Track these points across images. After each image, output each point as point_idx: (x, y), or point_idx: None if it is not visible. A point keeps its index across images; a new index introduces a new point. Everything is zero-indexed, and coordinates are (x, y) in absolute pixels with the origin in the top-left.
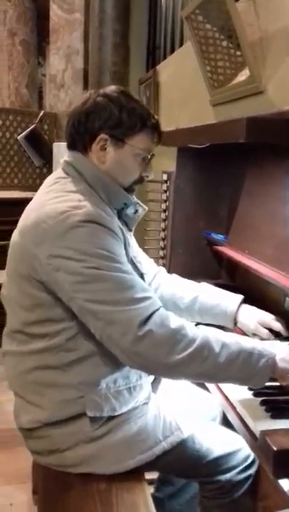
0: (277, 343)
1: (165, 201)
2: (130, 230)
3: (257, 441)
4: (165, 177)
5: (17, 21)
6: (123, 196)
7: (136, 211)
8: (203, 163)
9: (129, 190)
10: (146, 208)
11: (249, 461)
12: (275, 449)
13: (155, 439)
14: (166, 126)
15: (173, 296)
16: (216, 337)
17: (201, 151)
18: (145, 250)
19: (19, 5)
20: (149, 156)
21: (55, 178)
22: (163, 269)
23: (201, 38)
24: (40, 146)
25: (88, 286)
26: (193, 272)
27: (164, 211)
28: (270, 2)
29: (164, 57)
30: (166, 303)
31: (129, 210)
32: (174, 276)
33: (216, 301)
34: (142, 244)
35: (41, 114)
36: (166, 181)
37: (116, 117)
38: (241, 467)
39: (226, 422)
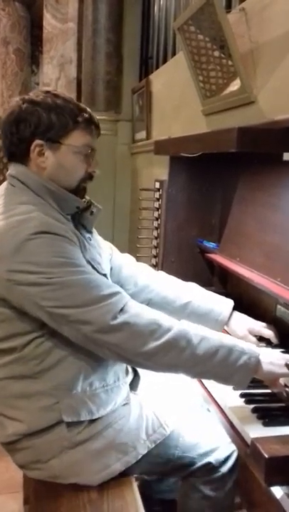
0: (266, 349)
1: (157, 209)
2: (90, 232)
3: (248, 449)
4: (158, 185)
5: (11, 30)
6: (73, 200)
7: (91, 212)
8: (196, 171)
9: (78, 190)
10: (101, 206)
11: (230, 457)
12: (266, 456)
13: (139, 438)
14: (158, 134)
15: (164, 300)
16: (196, 330)
17: (193, 159)
18: (137, 258)
19: (13, 14)
20: (90, 151)
21: (3, 190)
22: (146, 266)
23: (193, 49)
24: None
25: (55, 294)
26: (185, 280)
27: (157, 219)
28: (261, 13)
29: (157, 67)
30: (156, 305)
31: (85, 214)
32: (161, 273)
33: (209, 306)
34: (134, 252)
35: None
36: (158, 189)
37: (46, 120)
38: (223, 445)
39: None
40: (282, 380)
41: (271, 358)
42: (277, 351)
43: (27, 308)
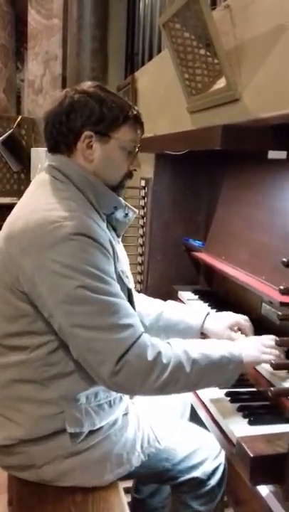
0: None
1: (143, 207)
2: (118, 236)
3: (234, 448)
4: (143, 183)
5: None
6: (113, 199)
7: (126, 215)
8: (181, 169)
9: (119, 187)
10: (136, 210)
11: (217, 450)
12: (251, 455)
13: (134, 451)
14: (144, 132)
15: (139, 314)
16: (187, 355)
17: (179, 157)
18: None
19: None
20: (136, 148)
21: (43, 183)
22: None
23: (179, 46)
24: (17, 151)
25: (71, 308)
26: (171, 278)
27: (142, 217)
28: (246, 11)
29: (143, 64)
30: None
31: (119, 214)
32: (141, 295)
33: (181, 316)
34: None
35: (19, 119)
36: (144, 187)
37: (98, 112)
38: (212, 456)
39: (194, 416)
40: (266, 376)
41: (249, 351)
42: (253, 339)
43: (42, 310)
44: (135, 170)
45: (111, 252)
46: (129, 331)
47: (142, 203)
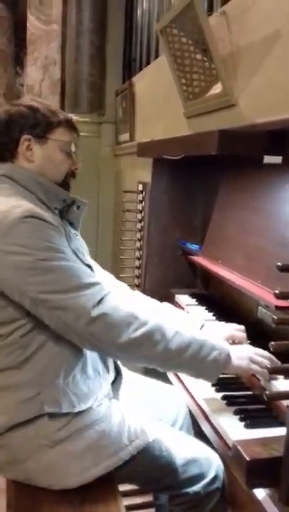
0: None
1: (141, 211)
2: (76, 229)
3: (230, 451)
4: (141, 187)
5: None
6: (61, 193)
7: (78, 207)
8: (178, 173)
9: (64, 186)
10: (87, 201)
11: (215, 471)
12: (247, 459)
13: (120, 443)
14: (141, 137)
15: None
16: (171, 325)
17: (176, 162)
18: (121, 260)
19: None
20: (73, 149)
21: None
22: (125, 286)
23: (176, 51)
24: None
25: (38, 278)
26: (168, 282)
27: (140, 221)
28: (241, 17)
29: (140, 69)
30: None
31: (71, 208)
32: (137, 292)
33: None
34: (118, 254)
35: None
36: (141, 192)
37: (32, 118)
38: (208, 479)
39: (193, 428)
40: (261, 380)
41: (240, 353)
42: (247, 346)
43: (10, 293)
44: (76, 169)
45: (62, 230)
46: (97, 286)
47: (139, 207)
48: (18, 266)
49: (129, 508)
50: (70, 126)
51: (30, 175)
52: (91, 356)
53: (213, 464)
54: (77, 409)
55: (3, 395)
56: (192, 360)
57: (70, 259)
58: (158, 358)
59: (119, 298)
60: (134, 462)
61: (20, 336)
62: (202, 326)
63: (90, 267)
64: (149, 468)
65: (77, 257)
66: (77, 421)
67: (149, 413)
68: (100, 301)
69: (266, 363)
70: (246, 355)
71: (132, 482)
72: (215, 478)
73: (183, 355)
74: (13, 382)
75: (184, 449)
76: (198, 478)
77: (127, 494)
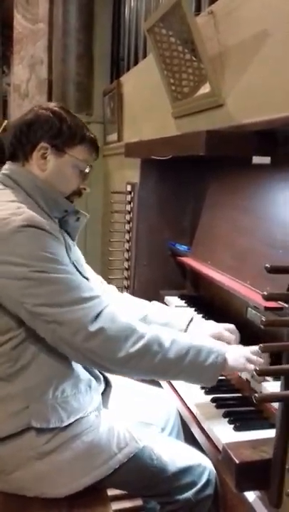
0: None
1: (129, 212)
2: (73, 240)
3: (220, 454)
4: (129, 188)
5: None
6: (63, 202)
7: (77, 219)
8: (167, 174)
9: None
10: (88, 214)
11: (206, 478)
12: (237, 461)
13: (110, 452)
14: (130, 137)
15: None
16: (167, 334)
17: (165, 162)
18: (110, 262)
19: None
20: (87, 169)
21: None
22: (113, 288)
23: (164, 51)
24: (3, 156)
25: (35, 290)
26: (157, 283)
27: (128, 222)
28: (229, 17)
29: (128, 69)
30: None
31: (71, 219)
32: (125, 294)
33: (165, 320)
34: (106, 255)
35: (5, 123)
36: (130, 192)
37: (57, 128)
38: (199, 485)
39: (184, 433)
40: (251, 381)
41: (236, 354)
42: (241, 347)
43: (7, 303)
44: (84, 189)
45: (62, 240)
46: (95, 300)
47: (128, 207)
48: (14, 276)
49: None
50: (92, 146)
51: (35, 181)
52: (82, 371)
53: (205, 471)
54: (65, 424)
55: None
56: (191, 366)
57: (69, 271)
58: (157, 369)
59: (117, 310)
60: (125, 469)
61: (11, 348)
62: (191, 320)
63: (87, 279)
64: (140, 476)
65: (77, 269)
66: (65, 433)
67: (139, 418)
68: (97, 316)
69: (262, 361)
70: (242, 355)
71: (123, 489)
72: (206, 484)
73: (182, 363)
74: (2, 393)
75: (176, 457)
76: (189, 485)
77: (116, 498)
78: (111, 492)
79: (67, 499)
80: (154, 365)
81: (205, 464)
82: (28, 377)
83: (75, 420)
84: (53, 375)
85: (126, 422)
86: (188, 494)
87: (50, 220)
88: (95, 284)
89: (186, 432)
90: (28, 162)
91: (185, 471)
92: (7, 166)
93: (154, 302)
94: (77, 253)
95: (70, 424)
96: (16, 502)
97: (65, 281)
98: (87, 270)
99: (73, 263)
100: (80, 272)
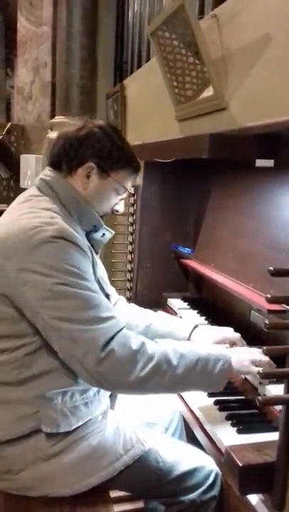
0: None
1: (132, 215)
2: (96, 253)
3: (223, 457)
4: (132, 190)
5: None
6: (94, 218)
7: (103, 234)
8: (170, 177)
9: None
10: (114, 232)
11: (212, 479)
12: (240, 464)
13: (116, 453)
14: (133, 140)
15: (128, 325)
16: (174, 349)
17: (168, 165)
18: (113, 264)
19: None
20: (126, 194)
21: (29, 196)
22: (123, 299)
23: (168, 54)
24: (7, 158)
25: (54, 303)
26: (160, 285)
27: (132, 224)
28: (233, 20)
29: (132, 72)
30: None
31: (97, 234)
32: (132, 305)
33: (169, 329)
34: (109, 257)
35: (8, 125)
36: (133, 195)
37: (107, 150)
38: (204, 487)
39: (187, 435)
40: (252, 381)
41: (240, 357)
42: (248, 349)
43: (25, 311)
44: (117, 211)
45: (90, 255)
46: (111, 321)
47: (131, 210)
48: (37, 286)
49: None
50: (135, 172)
51: (73, 193)
52: None
53: (210, 473)
54: (74, 427)
55: (0, 409)
56: (199, 377)
57: (92, 288)
58: (167, 386)
59: (130, 332)
60: (130, 471)
61: (24, 355)
62: (194, 328)
63: (109, 296)
64: (145, 478)
65: (101, 286)
66: (73, 435)
67: (144, 419)
68: (111, 339)
69: (266, 362)
70: (246, 358)
71: (128, 491)
72: (212, 486)
73: (190, 376)
74: (11, 398)
75: (181, 458)
76: (195, 486)
77: (118, 500)
78: (113, 494)
79: (69, 500)
80: (163, 383)
81: (210, 466)
82: (38, 384)
83: (83, 423)
84: (64, 383)
85: (132, 424)
86: (194, 495)
87: (80, 230)
88: (114, 298)
89: (189, 434)
90: (71, 176)
91: (190, 472)
92: (48, 173)
93: (159, 312)
94: (103, 269)
95: (77, 427)
96: (18, 502)
97: (86, 298)
98: (109, 286)
99: (98, 280)
100: (104, 289)
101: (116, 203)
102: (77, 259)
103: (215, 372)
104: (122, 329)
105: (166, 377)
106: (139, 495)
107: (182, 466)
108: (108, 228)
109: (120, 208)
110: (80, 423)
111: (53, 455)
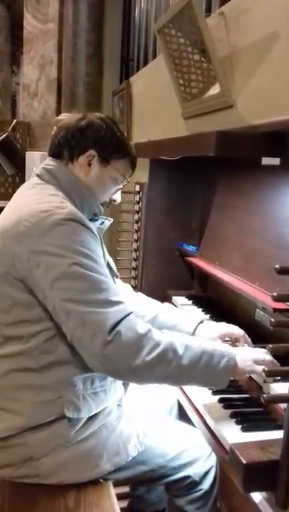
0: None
1: (137, 212)
2: None
3: (227, 455)
4: (138, 188)
5: None
6: (96, 205)
7: (102, 223)
8: (176, 174)
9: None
10: (112, 219)
11: (208, 451)
12: (244, 462)
13: (130, 440)
14: (139, 137)
15: (135, 313)
16: (181, 340)
17: (174, 163)
18: (118, 261)
19: None
20: (123, 184)
21: (33, 184)
22: (129, 286)
23: (174, 52)
24: (12, 155)
25: (66, 284)
26: (165, 283)
27: (137, 222)
28: (240, 18)
29: (138, 70)
30: None
31: (96, 223)
32: (139, 294)
33: (174, 321)
34: (114, 255)
35: (14, 122)
36: (138, 192)
37: (108, 139)
38: (204, 458)
39: (181, 412)
40: (257, 379)
41: (245, 356)
42: (251, 348)
43: (38, 293)
44: (114, 201)
45: (99, 238)
46: (119, 306)
47: (136, 207)
48: (50, 267)
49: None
50: (132, 163)
51: (75, 180)
52: None
53: (206, 452)
54: (93, 413)
55: (24, 395)
56: (204, 371)
57: (102, 272)
58: (172, 376)
59: (136, 320)
60: (138, 458)
61: (44, 341)
62: (200, 323)
63: (115, 279)
64: (149, 463)
65: (110, 268)
66: (92, 422)
67: (151, 405)
68: (118, 322)
69: (269, 361)
70: (250, 358)
71: (135, 481)
72: (208, 456)
73: (195, 369)
74: (35, 383)
75: (179, 441)
76: (194, 461)
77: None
78: (116, 490)
79: (73, 494)
80: (168, 372)
81: (208, 459)
82: (60, 370)
83: (101, 410)
84: (86, 369)
85: (142, 412)
86: (194, 467)
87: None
88: (119, 283)
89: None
90: (73, 164)
91: (188, 450)
92: (49, 162)
93: (166, 304)
94: (108, 255)
95: (96, 414)
96: (22, 493)
97: (96, 280)
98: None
99: (108, 263)
100: (113, 270)
101: (114, 193)
102: (88, 241)
103: (219, 368)
104: (129, 314)
105: (171, 366)
106: (144, 479)
107: (180, 447)
108: (107, 217)
109: (117, 197)
110: (99, 409)
111: (74, 442)
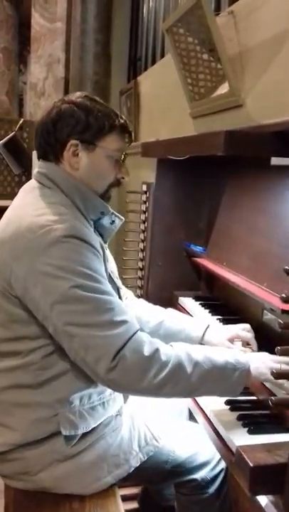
0: (254, 354)
1: (144, 212)
2: (105, 242)
3: (234, 457)
4: (145, 188)
5: None
6: (100, 204)
7: (112, 222)
8: (183, 174)
9: (105, 196)
10: (124, 218)
11: (217, 456)
12: (251, 465)
13: (131, 451)
14: (146, 137)
15: (138, 320)
16: (189, 356)
17: (181, 162)
18: (124, 261)
19: (1, 12)
20: (122, 157)
21: (32, 187)
22: (130, 293)
23: (182, 51)
24: (19, 154)
25: (66, 307)
26: (172, 284)
27: (144, 222)
28: (249, 17)
29: (145, 69)
30: None
31: (106, 221)
32: (141, 300)
33: (181, 327)
34: (120, 255)
35: (21, 121)
36: (145, 192)
37: (83, 121)
38: (212, 463)
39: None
40: (268, 385)
41: (257, 365)
42: (266, 355)
43: (36, 313)
44: (123, 178)
45: (101, 252)
46: (124, 326)
47: (143, 207)
48: (49, 289)
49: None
50: (124, 131)
51: (73, 181)
52: None
53: (214, 457)
54: (91, 428)
55: (19, 412)
56: (214, 386)
57: (105, 290)
58: (181, 393)
59: (143, 336)
60: (144, 465)
61: (41, 357)
62: (207, 328)
63: (118, 290)
64: (158, 469)
65: (113, 281)
66: (90, 436)
67: (158, 406)
68: (123, 346)
69: (285, 369)
70: (265, 366)
71: (142, 481)
72: (218, 462)
73: (205, 385)
74: (31, 400)
75: (189, 444)
76: (203, 465)
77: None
78: (121, 492)
79: (79, 498)
80: (177, 390)
81: (218, 464)
82: (57, 387)
83: (100, 423)
84: (82, 385)
85: (145, 417)
86: (203, 472)
87: (87, 222)
88: (123, 292)
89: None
90: (61, 162)
91: (198, 454)
92: (42, 165)
93: (169, 309)
94: (113, 263)
95: (94, 427)
96: (28, 498)
97: (99, 302)
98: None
99: (109, 274)
100: (116, 283)
101: (117, 172)
102: (89, 259)
103: (232, 380)
104: (135, 333)
105: (179, 385)
106: (151, 484)
107: (189, 451)
108: (117, 214)
109: (125, 173)
110: (98, 423)
111: (71, 456)
